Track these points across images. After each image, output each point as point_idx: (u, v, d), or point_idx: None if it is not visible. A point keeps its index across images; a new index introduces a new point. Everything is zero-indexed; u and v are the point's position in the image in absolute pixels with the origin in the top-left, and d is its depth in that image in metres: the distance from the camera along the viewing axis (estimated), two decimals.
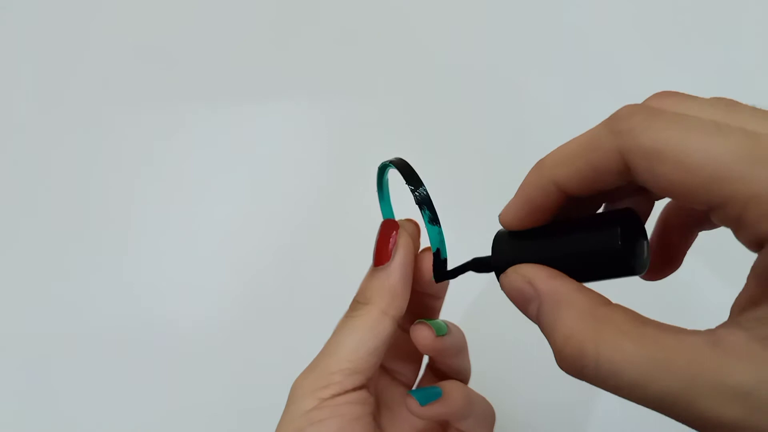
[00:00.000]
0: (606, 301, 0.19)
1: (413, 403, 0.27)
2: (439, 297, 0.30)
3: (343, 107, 0.52)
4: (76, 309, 0.46)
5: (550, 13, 0.54)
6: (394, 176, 0.28)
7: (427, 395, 0.27)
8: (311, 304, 0.45)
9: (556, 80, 0.52)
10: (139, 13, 0.57)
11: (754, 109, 0.18)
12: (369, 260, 0.27)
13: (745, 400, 0.15)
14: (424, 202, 0.25)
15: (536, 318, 0.21)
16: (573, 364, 0.18)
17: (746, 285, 0.18)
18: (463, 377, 0.31)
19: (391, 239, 0.27)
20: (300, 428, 0.25)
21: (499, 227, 0.24)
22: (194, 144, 0.52)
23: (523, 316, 0.22)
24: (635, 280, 0.22)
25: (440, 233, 0.26)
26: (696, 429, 0.16)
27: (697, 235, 0.24)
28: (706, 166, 0.16)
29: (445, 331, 0.28)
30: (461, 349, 0.30)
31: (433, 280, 0.27)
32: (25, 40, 0.57)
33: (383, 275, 0.26)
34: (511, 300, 0.22)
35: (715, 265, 0.42)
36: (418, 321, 0.28)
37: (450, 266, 0.26)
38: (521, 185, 0.22)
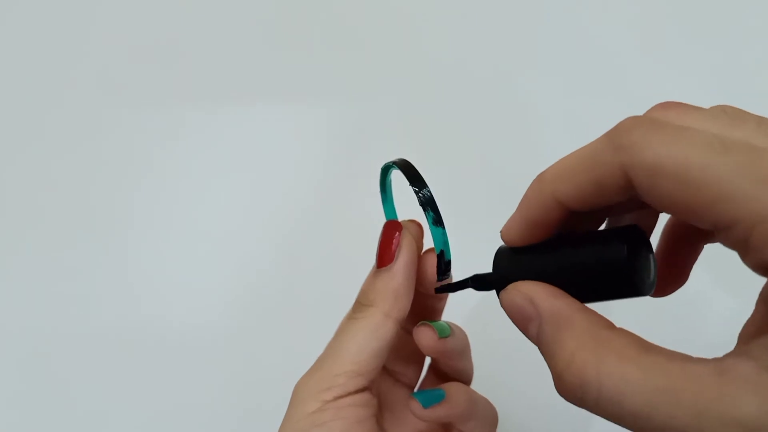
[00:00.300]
0: (609, 324, 0.19)
1: (416, 405, 0.27)
2: (442, 298, 0.30)
3: (344, 109, 0.52)
4: (77, 309, 0.46)
5: (551, 15, 0.54)
6: (397, 177, 0.28)
7: (431, 397, 0.27)
8: (312, 304, 0.45)
9: (557, 81, 0.52)
10: (140, 14, 0.57)
11: (760, 121, 0.17)
12: (371, 261, 0.27)
13: None
14: (428, 203, 0.25)
15: (536, 339, 0.20)
16: (573, 391, 0.18)
17: (754, 311, 0.18)
18: (465, 379, 0.31)
19: (394, 240, 0.26)
20: (303, 430, 0.25)
21: (499, 233, 0.23)
22: (195, 145, 0.52)
23: None
24: None
25: (444, 234, 0.25)
26: None
27: (703, 248, 0.23)
28: (711, 185, 0.15)
29: (448, 332, 0.27)
30: (464, 350, 0.30)
31: (436, 280, 0.27)
32: (25, 41, 0.57)
33: (386, 277, 0.26)
34: (510, 318, 0.21)
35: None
36: (420, 323, 0.27)
37: (451, 266, 0.26)
38: (522, 200, 0.21)
